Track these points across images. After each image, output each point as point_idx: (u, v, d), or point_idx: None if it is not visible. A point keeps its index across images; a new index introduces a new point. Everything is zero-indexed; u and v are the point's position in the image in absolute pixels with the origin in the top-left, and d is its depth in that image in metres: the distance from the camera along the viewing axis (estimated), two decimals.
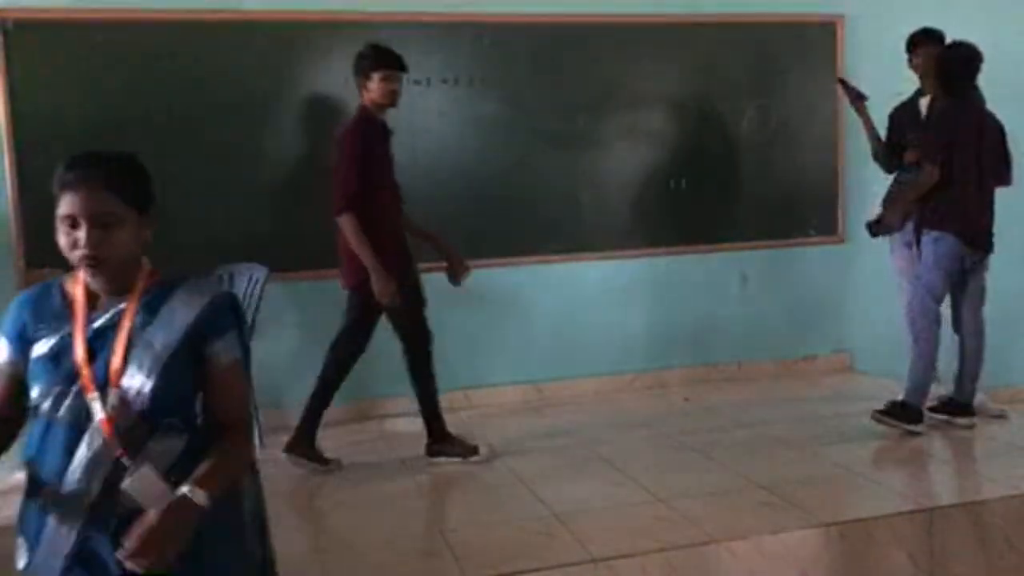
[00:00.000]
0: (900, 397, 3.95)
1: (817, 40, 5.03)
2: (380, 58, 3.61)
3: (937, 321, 3.89)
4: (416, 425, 4.40)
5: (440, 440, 3.79)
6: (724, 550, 2.84)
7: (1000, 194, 4.01)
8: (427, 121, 4.50)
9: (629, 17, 4.72)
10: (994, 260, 4.09)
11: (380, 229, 3.60)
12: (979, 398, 4.09)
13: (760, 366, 5.10)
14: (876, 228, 4.15)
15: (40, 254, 4.07)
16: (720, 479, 3.43)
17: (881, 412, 3.89)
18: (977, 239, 3.91)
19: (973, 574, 3.07)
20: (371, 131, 3.64)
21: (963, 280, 3.98)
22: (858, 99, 4.32)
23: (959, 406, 3.98)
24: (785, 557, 2.90)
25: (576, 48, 4.67)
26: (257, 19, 4.25)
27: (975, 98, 3.94)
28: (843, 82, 4.45)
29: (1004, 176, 4.02)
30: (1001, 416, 4.11)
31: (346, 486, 3.55)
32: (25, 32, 3.98)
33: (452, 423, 4.39)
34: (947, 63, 3.91)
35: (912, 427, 3.84)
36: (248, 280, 4.09)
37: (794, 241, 5.11)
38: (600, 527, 2.98)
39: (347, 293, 3.81)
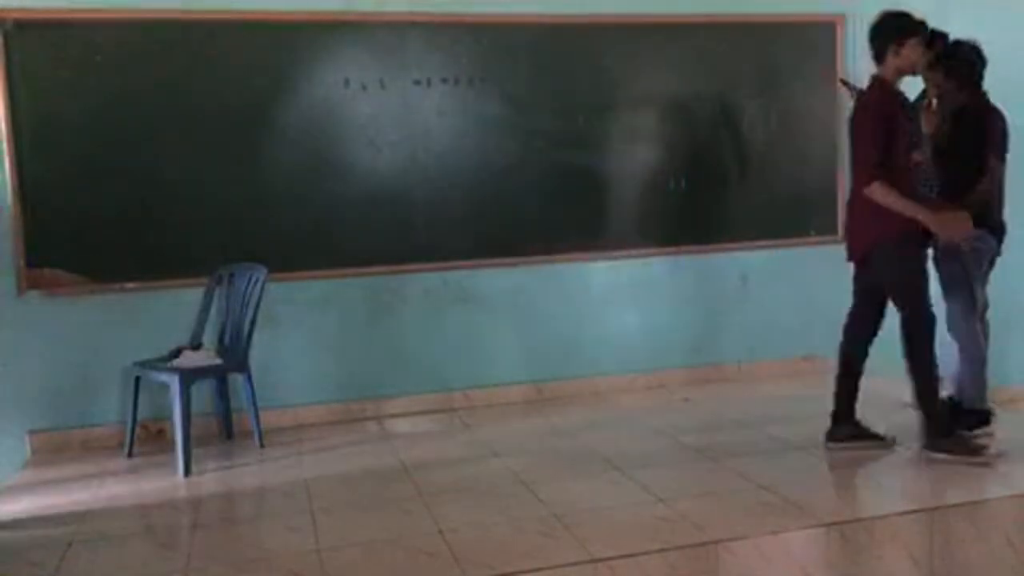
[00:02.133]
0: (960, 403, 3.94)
1: (817, 40, 5.03)
2: (917, 24, 3.52)
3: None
4: (415, 425, 4.42)
5: (945, 433, 3.57)
6: (724, 550, 2.84)
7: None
8: (427, 121, 4.50)
9: (629, 17, 4.72)
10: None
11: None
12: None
13: (760, 366, 5.10)
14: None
15: (40, 254, 4.08)
16: (720, 479, 3.43)
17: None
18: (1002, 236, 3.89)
19: (973, 574, 3.07)
20: (891, 101, 3.55)
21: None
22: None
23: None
24: (785, 557, 2.90)
25: (576, 48, 4.68)
26: (257, 19, 4.25)
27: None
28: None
29: None
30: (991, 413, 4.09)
31: (346, 486, 3.55)
32: (25, 32, 3.98)
33: (452, 423, 4.41)
34: (978, 59, 3.85)
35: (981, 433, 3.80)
36: (248, 280, 4.09)
37: (794, 241, 5.11)
38: (600, 527, 2.98)
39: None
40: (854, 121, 3.64)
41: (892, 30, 3.54)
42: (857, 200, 3.60)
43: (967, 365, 3.95)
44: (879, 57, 3.58)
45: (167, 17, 4.14)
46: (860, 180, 3.54)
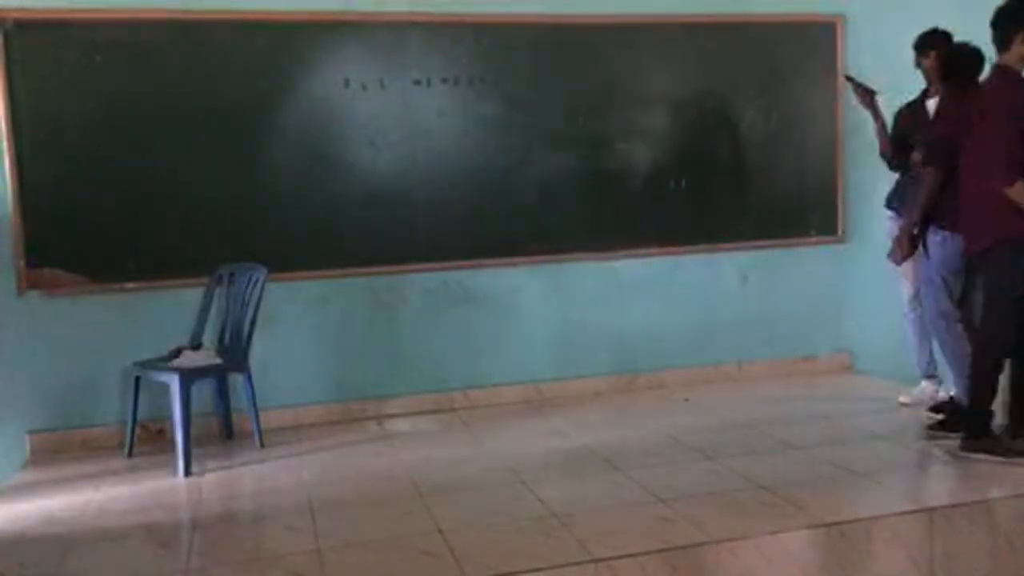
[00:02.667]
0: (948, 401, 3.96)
1: (817, 40, 5.03)
2: None
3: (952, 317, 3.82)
4: (415, 425, 4.42)
5: (979, 434, 3.55)
6: (724, 550, 2.84)
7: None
8: (427, 121, 4.50)
9: (629, 17, 4.72)
10: None
11: None
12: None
13: (760, 366, 5.10)
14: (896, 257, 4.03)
15: (40, 254, 4.08)
16: (720, 479, 3.43)
17: (934, 427, 3.88)
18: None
19: (973, 574, 3.07)
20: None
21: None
22: (867, 95, 4.30)
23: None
24: (785, 557, 2.90)
25: (576, 48, 4.68)
26: (257, 19, 4.25)
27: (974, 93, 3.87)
28: (851, 79, 4.42)
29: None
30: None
31: (346, 486, 3.55)
32: (25, 32, 3.98)
33: (452, 423, 4.41)
34: (977, 62, 3.81)
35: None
36: (248, 280, 4.09)
37: (794, 241, 5.11)
38: (600, 527, 2.98)
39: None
40: (994, 108, 3.46)
41: (1015, 18, 3.42)
42: (983, 195, 3.46)
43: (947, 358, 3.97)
44: (1006, 43, 3.45)
45: (167, 17, 4.14)
46: (997, 177, 3.40)
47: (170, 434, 3.98)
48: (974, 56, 3.82)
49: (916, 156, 4.17)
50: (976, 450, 3.54)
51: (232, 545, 3.03)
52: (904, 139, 4.24)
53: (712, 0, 4.84)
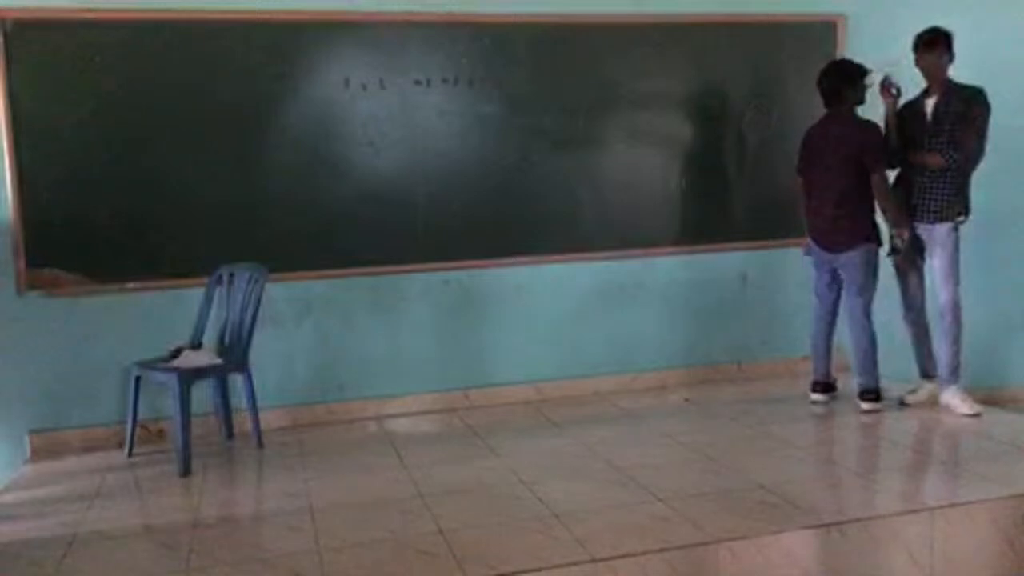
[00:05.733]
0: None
1: (817, 40, 5.03)
2: None
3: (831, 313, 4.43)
4: (415, 425, 4.42)
5: None
6: (724, 550, 2.84)
7: (999, 194, 3.99)
8: (427, 121, 4.50)
9: (629, 17, 4.72)
10: (993, 260, 4.08)
11: None
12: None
13: (760, 366, 5.10)
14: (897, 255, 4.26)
15: (40, 254, 4.08)
16: (720, 479, 3.43)
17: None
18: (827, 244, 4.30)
19: (973, 574, 3.07)
20: None
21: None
22: (893, 98, 4.29)
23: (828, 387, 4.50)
24: (785, 557, 2.90)
25: (576, 48, 4.68)
26: (257, 19, 4.25)
27: (833, 112, 4.24)
28: (887, 79, 4.31)
29: (872, 170, 4.15)
30: (976, 415, 4.12)
31: (346, 486, 3.55)
32: (25, 32, 3.98)
33: (452, 423, 4.41)
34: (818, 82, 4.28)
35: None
36: (248, 280, 4.09)
37: (794, 241, 5.10)
38: (600, 527, 2.99)
39: None
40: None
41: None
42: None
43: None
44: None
45: (167, 17, 4.13)
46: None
47: (170, 434, 3.98)
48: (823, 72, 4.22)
49: (912, 156, 4.17)
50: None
51: (232, 545, 3.03)
52: (906, 138, 4.24)
53: (712, 0, 4.84)
